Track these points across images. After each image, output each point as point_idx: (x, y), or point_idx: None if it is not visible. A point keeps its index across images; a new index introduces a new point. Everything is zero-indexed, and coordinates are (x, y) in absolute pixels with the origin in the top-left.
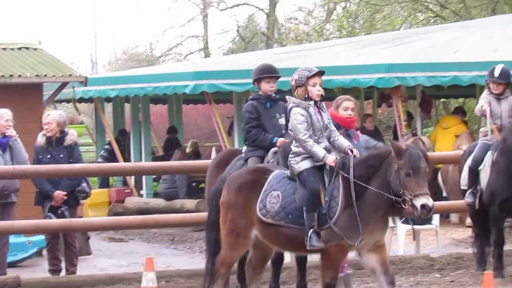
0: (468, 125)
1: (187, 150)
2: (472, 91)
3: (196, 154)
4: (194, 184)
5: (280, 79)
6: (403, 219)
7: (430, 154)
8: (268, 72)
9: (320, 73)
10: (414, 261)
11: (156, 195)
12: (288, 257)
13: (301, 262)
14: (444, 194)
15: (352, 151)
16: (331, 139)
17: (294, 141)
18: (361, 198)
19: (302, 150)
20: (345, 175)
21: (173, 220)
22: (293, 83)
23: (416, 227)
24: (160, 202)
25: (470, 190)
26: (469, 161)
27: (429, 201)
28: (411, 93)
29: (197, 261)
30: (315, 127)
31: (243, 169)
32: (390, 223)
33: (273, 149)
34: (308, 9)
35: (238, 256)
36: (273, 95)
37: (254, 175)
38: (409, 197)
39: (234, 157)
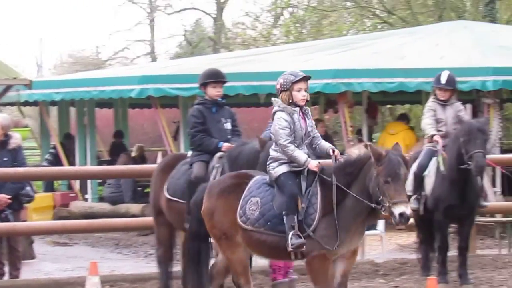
0: (414, 131)
1: (133, 154)
2: (418, 97)
3: (142, 159)
4: (139, 188)
5: (226, 84)
6: None
7: None
8: (214, 77)
9: (306, 78)
10: (359, 267)
11: (101, 199)
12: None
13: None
14: None
15: (333, 151)
16: (313, 145)
17: (273, 145)
18: (341, 204)
19: (280, 156)
20: (327, 178)
21: (118, 225)
22: (278, 86)
23: None
24: (105, 206)
25: (414, 196)
26: (414, 167)
27: (407, 209)
28: (358, 99)
29: (141, 266)
30: (297, 134)
31: (224, 175)
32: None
33: (218, 154)
34: (255, 14)
35: (242, 256)
36: (219, 100)
37: (235, 179)
38: (388, 204)
39: (179, 162)
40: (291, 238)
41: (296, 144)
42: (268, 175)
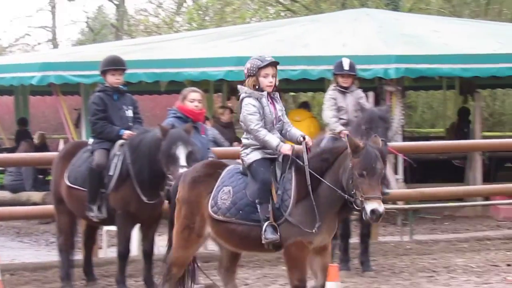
0: (317, 119)
1: (35, 142)
2: (321, 85)
3: (43, 146)
4: (40, 176)
5: (128, 71)
6: None
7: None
8: (114, 64)
9: (274, 63)
10: (260, 254)
11: (1, 187)
12: (135, 250)
13: (148, 255)
14: None
15: (304, 138)
16: (283, 131)
17: (244, 133)
18: (315, 191)
19: (253, 142)
20: (300, 163)
21: (19, 213)
22: (245, 71)
23: None
24: (5, 194)
25: None
26: None
27: (380, 206)
28: None
29: (42, 254)
30: (267, 118)
31: (199, 163)
32: None
33: (120, 141)
34: (158, 1)
35: (191, 254)
36: (121, 87)
37: (208, 168)
38: (360, 199)
39: (80, 149)
40: (265, 231)
41: (267, 129)
42: (242, 162)
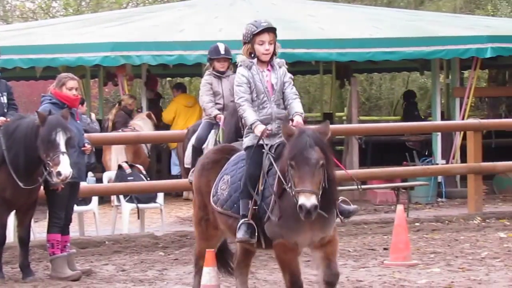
0: None
1: None
2: (198, 70)
3: None
4: None
5: (3, 57)
6: (127, 198)
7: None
8: None
9: (270, 29)
10: (139, 240)
11: None
12: (11, 237)
13: (24, 241)
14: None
15: (293, 120)
16: (285, 103)
17: None
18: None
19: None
20: (269, 154)
21: None
22: (242, 39)
23: (141, 205)
24: None
25: (193, 169)
26: (192, 140)
27: (308, 200)
28: (137, 71)
29: None
30: (257, 88)
31: (210, 148)
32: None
33: None
34: None
35: (214, 245)
36: None
37: (216, 154)
38: (294, 192)
39: None
40: (239, 228)
41: (259, 100)
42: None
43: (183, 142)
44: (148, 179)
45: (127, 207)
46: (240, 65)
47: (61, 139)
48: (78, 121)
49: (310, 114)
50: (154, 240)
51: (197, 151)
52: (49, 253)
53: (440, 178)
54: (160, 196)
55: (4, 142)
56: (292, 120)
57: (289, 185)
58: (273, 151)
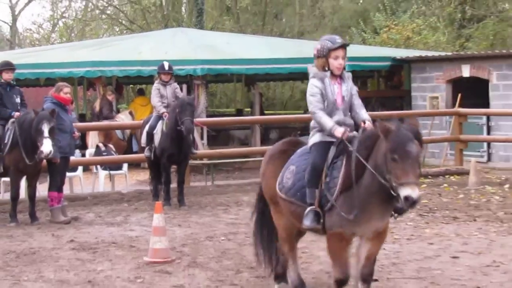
0: None
1: None
2: (150, 80)
3: None
4: None
5: (17, 71)
6: (103, 167)
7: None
8: (7, 66)
9: (344, 45)
10: (110, 196)
11: None
12: (23, 194)
13: (31, 197)
14: (136, 149)
15: (365, 123)
16: (352, 113)
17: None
18: (360, 180)
19: (315, 124)
20: (350, 148)
21: None
22: (315, 52)
23: (112, 172)
24: None
25: (147, 147)
26: (146, 127)
27: (413, 192)
28: (109, 81)
29: None
30: (328, 99)
31: (281, 141)
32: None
33: (11, 119)
34: (39, 22)
35: (292, 232)
36: (12, 82)
37: (284, 146)
38: (394, 184)
39: None
40: (306, 216)
41: (328, 110)
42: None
43: (140, 129)
44: (117, 154)
45: (102, 173)
46: (313, 77)
47: (45, 128)
48: (70, 115)
49: (228, 109)
50: (121, 196)
51: (149, 135)
52: (49, 205)
53: None
54: (125, 166)
55: (18, 130)
56: (364, 123)
57: (388, 177)
58: (336, 147)
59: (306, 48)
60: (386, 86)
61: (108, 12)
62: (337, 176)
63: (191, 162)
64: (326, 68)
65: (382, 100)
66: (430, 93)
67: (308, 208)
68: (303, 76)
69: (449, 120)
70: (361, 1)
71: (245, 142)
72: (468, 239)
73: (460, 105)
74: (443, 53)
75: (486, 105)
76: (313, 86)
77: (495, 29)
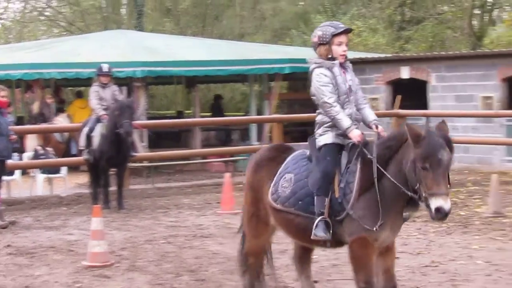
0: None
1: None
2: (90, 82)
3: None
4: None
5: None
6: (41, 170)
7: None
8: None
9: (348, 30)
10: (49, 199)
11: None
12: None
13: None
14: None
15: (377, 127)
16: (357, 106)
17: (318, 110)
18: (379, 184)
19: (326, 119)
20: (368, 155)
21: None
22: (315, 39)
23: (50, 175)
24: None
25: (86, 150)
26: (85, 130)
27: (446, 203)
28: (48, 83)
29: None
30: (340, 89)
31: (264, 147)
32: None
33: None
34: None
35: (262, 242)
36: None
37: (272, 152)
38: (424, 194)
39: None
40: (316, 226)
41: (340, 102)
42: (309, 147)
43: (79, 132)
44: (56, 157)
45: (41, 177)
46: (320, 66)
47: None
48: (5, 118)
49: (168, 112)
50: (59, 199)
51: (88, 138)
52: None
53: None
54: (64, 169)
55: None
56: (376, 127)
57: (416, 186)
58: (348, 151)
59: (246, 50)
60: None
61: (47, 13)
62: (353, 181)
63: (131, 164)
64: (329, 56)
65: None
66: (370, 94)
67: (319, 218)
68: (243, 78)
69: (389, 121)
70: (301, 3)
71: (205, 143)
72: (407, 239)
73: (400, 107)
74: (382, 55)
75: (425, 106)
76: (322, 75)
77: (434, 31)
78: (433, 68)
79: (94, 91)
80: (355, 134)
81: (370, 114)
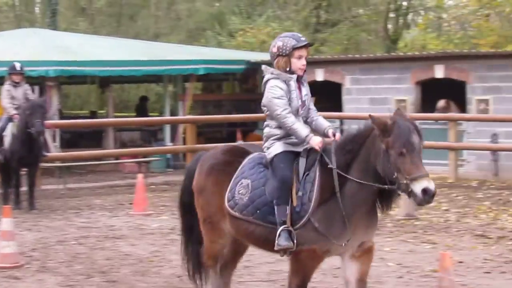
0: None
1: None
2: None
3: None
4: None
5: None
6: None
7: None
8: None
9: (309, 44)
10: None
11: None
12: None
13: None
14: None
15: (334, 135)
16: (308, 119)
17: (266, 121)
18: (341, 192)
19: (273, 131)
20: (327, 161)
21: None
22: (274, 50)
23: None
24: None
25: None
26: None
27: (430, 183)
28: None
29: None
30: (292, 104)
31: (217, 148)
32: None
33: None
34: None
35: (220, 246)
36: None
37: (228, 156)
38: (405, 181)
39: None
40: (279, 236)
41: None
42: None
43: None
44: None
45: None
46: (276, 78)
47: None
48: None
49: (82, 111)
50: None
51: (1, 138)
52: None
53: (169, 155)
54: None
55: None
56: (334, 135)
57: (394, 175)
58: (306, 157)
59: (161, 50)
60: (241, 89)
61: None
62: (312, 190)
63: (43, 164)
64: (288, 69)
65: (236, 103)
66: None
67: (281, 227)
68: (158, 79)
69: None
70: (217, 4)
71: (132, 144)
72: None
73: None
74: None
75: (340, 108)
76: (277, 87)
77: (349, 33)
78: (347, 71)
79: (5, 90)
80: (315, 142)
81: (323, 122)
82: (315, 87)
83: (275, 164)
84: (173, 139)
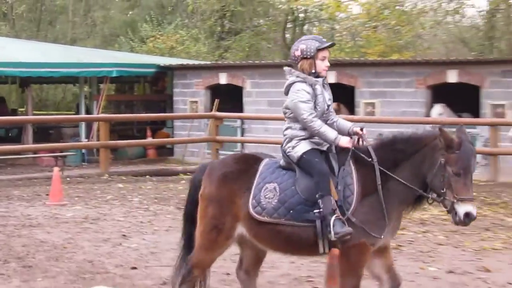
0: None
1: None
2: None
3: None
4: None
5: None
6: None
7: None
8: None
9: (331, 45)
10: None
11: None
12: None
13: None
14: None
15: (362, 130)
16: (328, 121)
17: (286, 123)
18: (383, 188)
19: (297, 132)
20: (364, 157)
21: None
22: (297, 53)
23: None
24: None
25: None
26: None
27: (474, 209)
28: None
29: None
30: (319, 108)
31: (227, 156)
32: None
33: None
34: None
35: (215, 257)
36: None
37: (241, 164)
38: (452, 199)
39: None
40: (334, 225)
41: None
42: (284, 157)
43: None
44: None
45: None
46: (303, 81)
47: None
48: None
49: None
50: None
51: None
52: None
53: (84, 150)
54: None
55: None
56: (361, 130)
57: (443, 190)
58: (336, 154)
59: (78, 54)
60: (151, 90)
61: None
62: (351, 182)
63: None
64: (312, 71)
65: (147, 103)
66: (190, 97)
67: (333, 217)
68: (75, 80)
69: (207, 122)
70: (130, 12)
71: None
72: None
73: (218, 109)
74: (203, 62)
75: (241, 109)
76: (303, 91)
77: (251, 41)
78: (248, 75)
79: None
80: (345, 142)
81: (346, 123)
82: (219, 89)
83: (307, 160)
84: (88, 135)
